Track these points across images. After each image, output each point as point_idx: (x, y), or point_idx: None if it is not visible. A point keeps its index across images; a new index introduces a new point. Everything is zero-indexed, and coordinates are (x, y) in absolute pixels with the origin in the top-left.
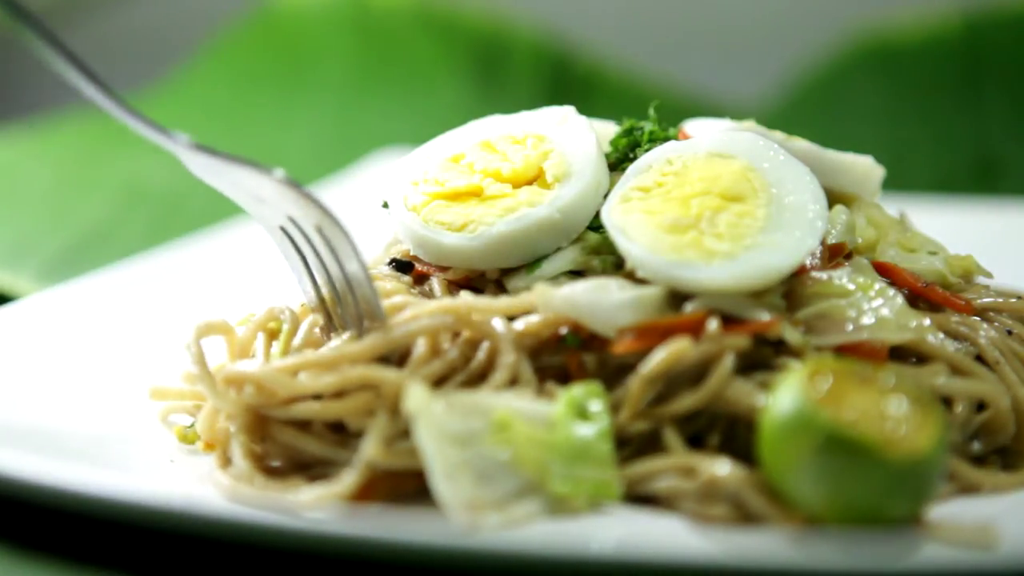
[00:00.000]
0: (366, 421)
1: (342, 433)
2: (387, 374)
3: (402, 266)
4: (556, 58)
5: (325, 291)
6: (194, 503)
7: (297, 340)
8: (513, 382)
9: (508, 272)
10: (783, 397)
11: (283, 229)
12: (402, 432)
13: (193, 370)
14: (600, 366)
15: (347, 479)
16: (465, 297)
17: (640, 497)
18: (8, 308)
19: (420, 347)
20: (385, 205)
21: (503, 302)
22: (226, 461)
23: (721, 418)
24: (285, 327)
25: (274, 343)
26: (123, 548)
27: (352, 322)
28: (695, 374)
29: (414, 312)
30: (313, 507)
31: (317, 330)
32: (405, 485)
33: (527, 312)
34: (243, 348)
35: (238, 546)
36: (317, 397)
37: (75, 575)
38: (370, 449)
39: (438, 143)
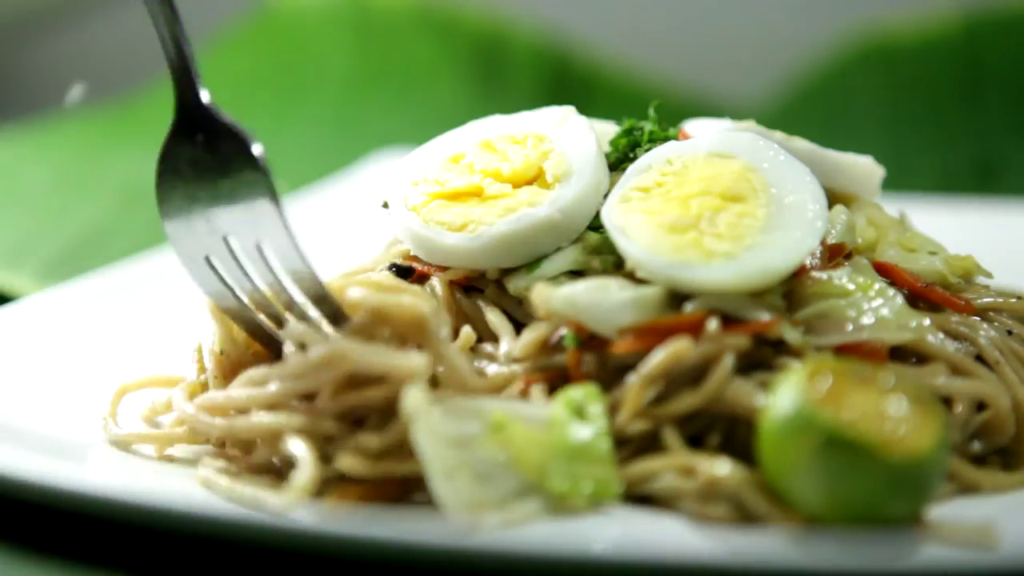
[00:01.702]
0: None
1: None
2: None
3: (402, 271)
4: (556, 58)
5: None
6: (193, 502)
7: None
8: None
9: (508, 272)
10: (783, 397)
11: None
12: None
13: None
14: (600, 366)
15: (301, 475)
16: (354, 347)
17: (640, 497)
18: (8, 308)
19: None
20: (385, 205)
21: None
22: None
23: (721, 418)
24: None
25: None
26: (121, 548)
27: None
28: (695, 374)
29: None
30: (287, 507)
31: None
32: (388, 491)
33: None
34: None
35: (236, 545)
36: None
37: (74, 575)
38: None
39: (438, 143)
